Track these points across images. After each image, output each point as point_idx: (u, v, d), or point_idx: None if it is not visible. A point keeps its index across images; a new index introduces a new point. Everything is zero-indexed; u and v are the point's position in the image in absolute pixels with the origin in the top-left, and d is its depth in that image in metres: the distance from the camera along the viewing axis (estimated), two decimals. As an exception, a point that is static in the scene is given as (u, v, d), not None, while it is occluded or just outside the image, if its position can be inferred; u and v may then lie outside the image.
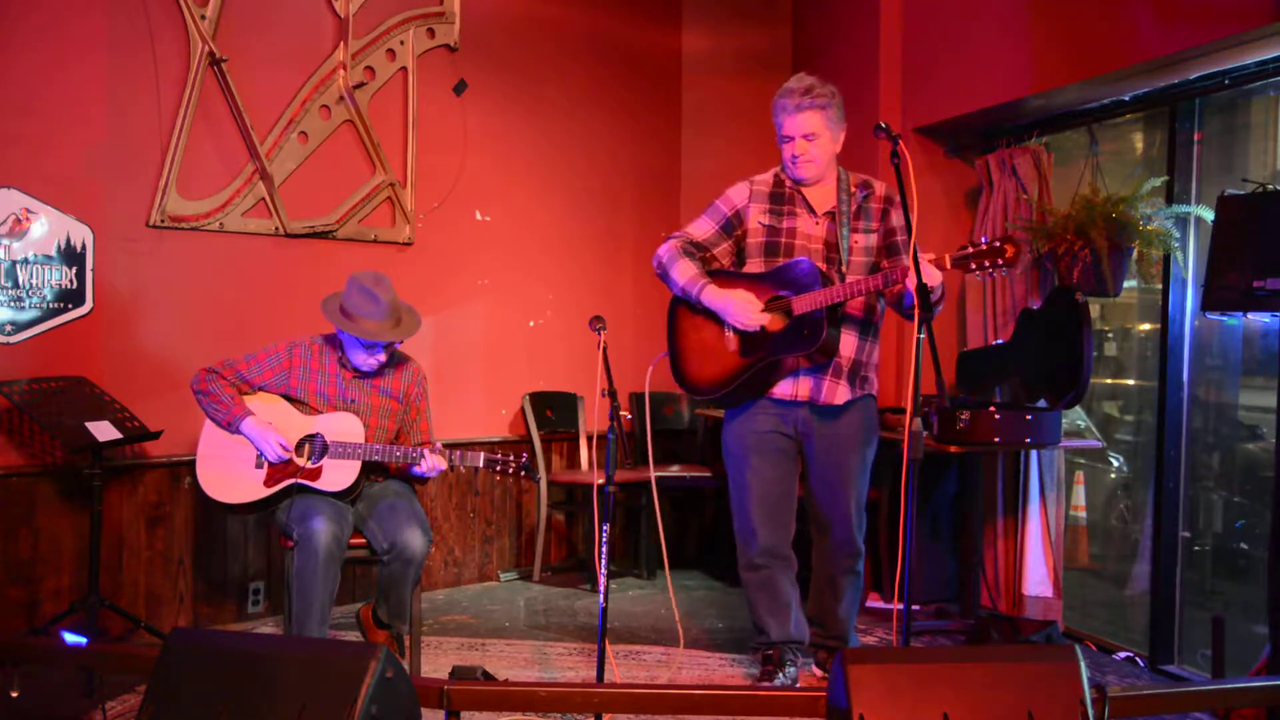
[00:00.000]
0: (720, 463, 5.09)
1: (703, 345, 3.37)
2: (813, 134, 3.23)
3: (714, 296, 3.28)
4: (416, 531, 3.27)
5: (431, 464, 3.33)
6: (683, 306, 3.42)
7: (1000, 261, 2.80)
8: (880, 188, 3.37)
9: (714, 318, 3.33)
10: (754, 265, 3.35)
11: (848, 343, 3.29)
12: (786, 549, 3.43)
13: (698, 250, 3.39)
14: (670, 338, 3.46)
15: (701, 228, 3.41)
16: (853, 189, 3.33)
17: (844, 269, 3.26)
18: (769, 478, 3.38)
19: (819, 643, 3.50)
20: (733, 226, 3.39)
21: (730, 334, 3.32)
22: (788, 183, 3.35)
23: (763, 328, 3.23)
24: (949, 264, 2.91)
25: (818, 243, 3.30)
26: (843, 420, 3.33)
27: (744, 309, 3.23)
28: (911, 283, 2.84)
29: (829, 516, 3.37)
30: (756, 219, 3.35)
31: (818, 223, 3.31)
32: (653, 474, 3.76)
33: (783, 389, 3.31)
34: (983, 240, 2.85)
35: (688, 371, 3.41)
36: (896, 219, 3.34)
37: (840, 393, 3.30)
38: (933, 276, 2.93)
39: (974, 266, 2.85)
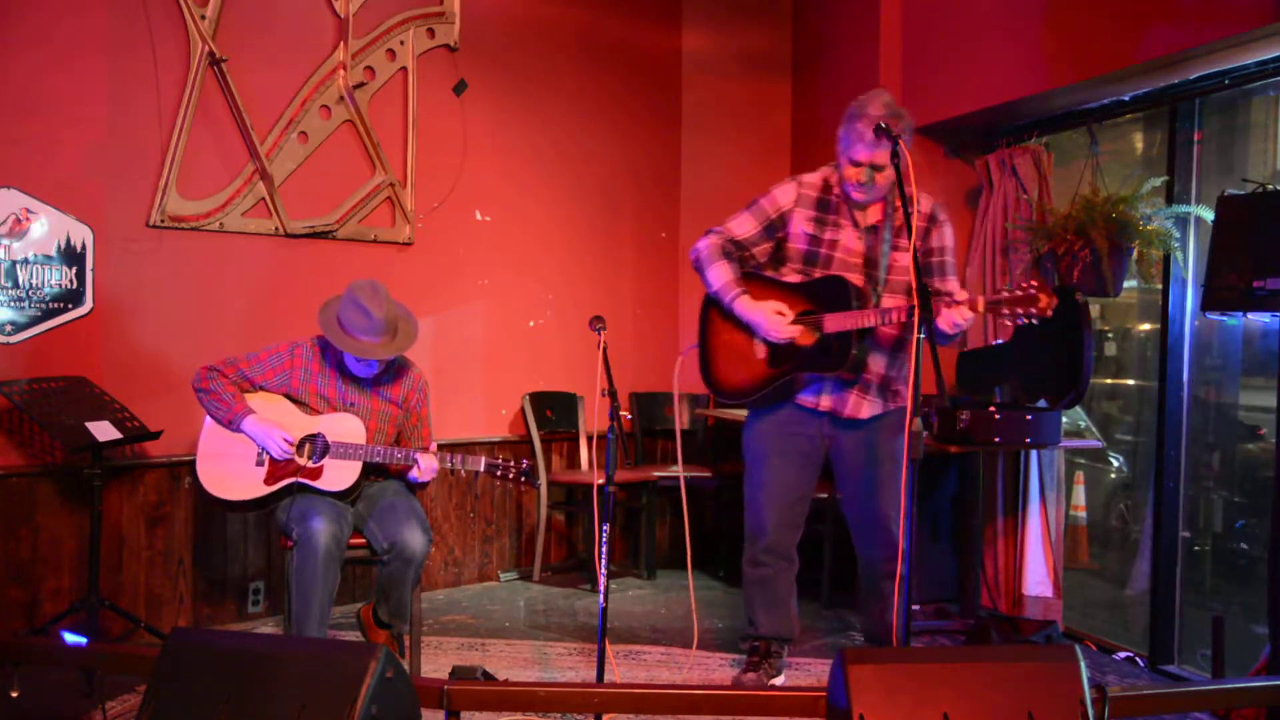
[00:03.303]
0: (721, 463, 5.12)
1: (732, 348, 3.37)
2: (884, 166, 3.16)
3: (746, 308, 3.27)
4: (416, 531, 3.27)
5: (425, 466, 3.32)
6: (715, 306, 3.41)
7: (1033, 310, 2.81)
8: (926, 204, 3.32)
9: (745, 324, 3.33)
10: (790, 271, 3.34)
11: (878, 360, 3.28)
12: (791, 550, 3.46)
13: (737, 249, 3.36)
14: (701, 335, 3.46)
15: (743, 226, 3.36)
16: (898, 203, 3.29)
17: (880, 288, 3.25)
18: (788, 479, 3.39)
19: None
20: (775, 229, 3.35)
21: (759, 342, 3.32)
22: (836, 189, 3.31)
23: (792, 341, 3.23)
24: (982, 307, 2.92)
25: (857, 257, 3.27)
26: (869, 430, 3.32)
27: (776, 322, 3.22)
28: (957, 309, 2.91)
29: (864, 522, 3.37)
30: (800, 225, 3.31)
31: (860, 237, 3.28)
32: (682, 473, 3.75)
33: (805, 397, 3.32)
34: (1018, 287, 2.85)
35: (715, 373, 3.42)
36: (937, 239, 3.30)
37: (866, 407, 3.30)
38: (962, 318, 2.95)
39: (1006, 312, 2.87)
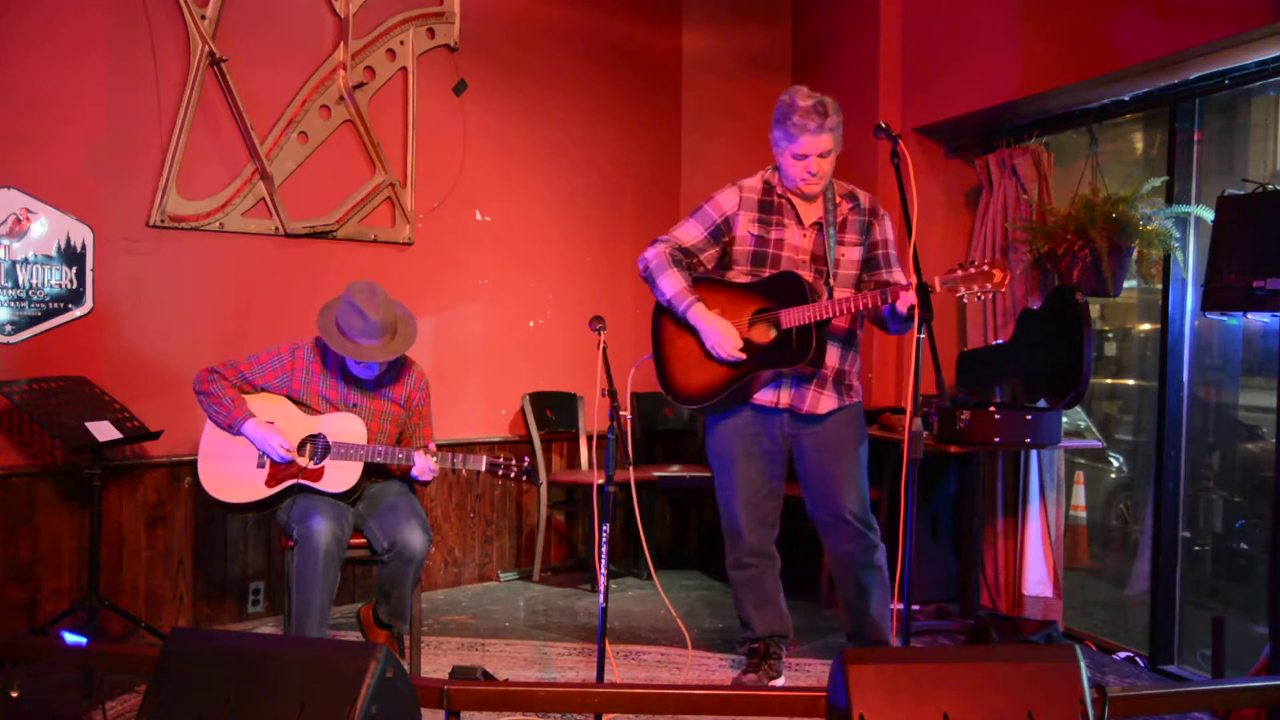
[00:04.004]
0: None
1: (689, 353, 3.36)
2: (829, 151, 3.22)
3: (699, 318, 3.27)
4: (417, 530, 3.27)
5: (422, 466, 3.32)
6: (668, 314, 3.41)
7: (989, 285, 2.85)
8: (865, 199, 3.38)
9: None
10: (738, 272, 3.36)
11: (832, 353, 3.32)
12: (771, 548, 3.49)
13: (685, 256, 3.37)
14: (655, 343, 3.45)
15: (690, 233, 3.39)
16: (838, 199, 3.35)
17: (832, 281, 3.28)
18: (755, 481, 3.40)
19: None
20: (721, 233, 3.38)
21: None
22: (778, 189, 3.34)
23: (749, 339, 3.25)
24: (938, 287, 2.93)
25: (805, 254, 3.32)
26: (828, 425, 3.35)
27: (724, 340, 3.23)
28: (909, 293, 2.91)
29: (833, 516, 3.38)
30: (746, 228, 3.34)
31: (805, 234, 3.33)
32: (633, 477, 3.73)
33: (763, 397, 3.33)
34: (971, 264, 2.89)
35: (673, 379, 3.40)
36: (880, 233, 3.37)
37: (824, 403, 3.33)
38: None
39: (963, 290, 2.89)
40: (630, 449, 3.58)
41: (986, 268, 2.85)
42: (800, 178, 3.25)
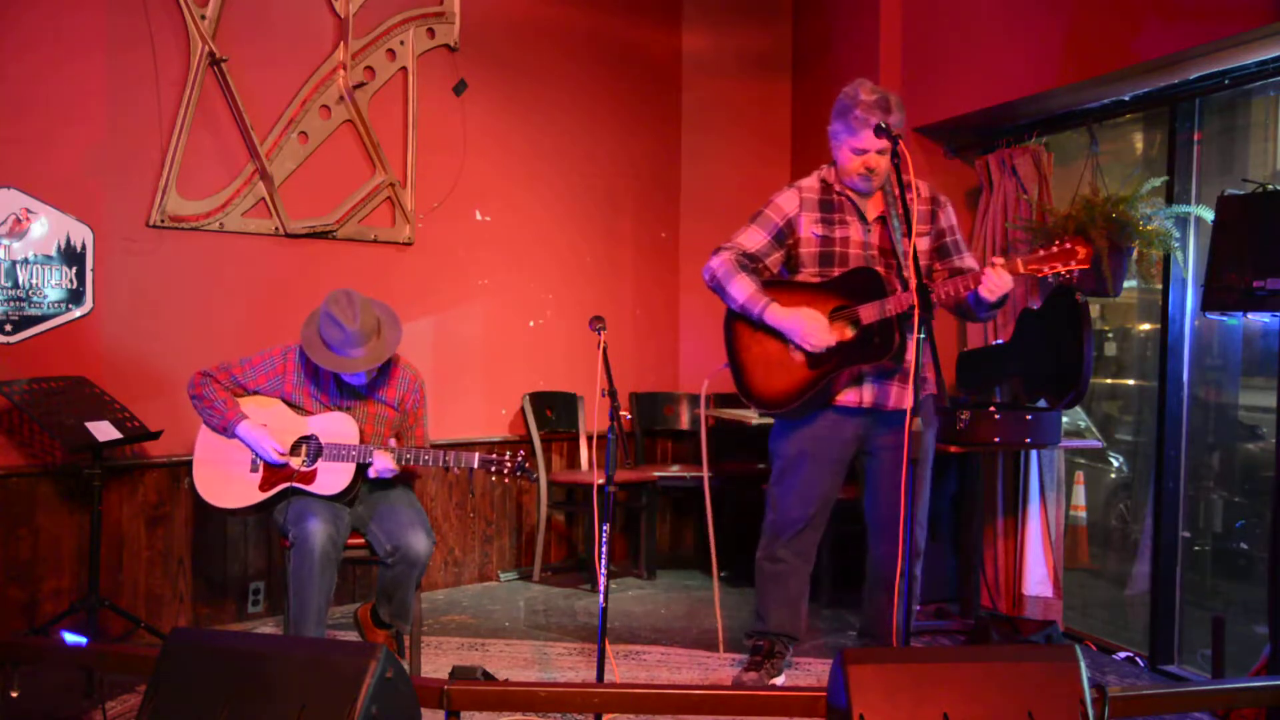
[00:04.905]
0: (721, 463, 5.11)
1: (767, 358, 3.32)
2: (888, 149, 3.16)
3: (778, 316, 3.23)
4: (420, 534, 3.27)
5: (380, 467, 3.31)
6: (741, 320, 3.36)
7: (1073, 263, 2.87)
8: (925, 188, 3.36)
9: (777, 331, 3.29)
10: (807, 274, 3.33)
11: (909, 347, 3.28)
12: (812, 551, 3.47)
13: (751, 262, 3.33)
14: (730, 351, 3.40)
15: (753, 238, 3.35)
16: (896, 192, 3.31)
17: (905, 274, 3.24)
18: (820, 486, 3.37)
19: None
20: (785, 236, 3.34)
21: (795, 347, 3.29)
22: (835, 187, 3.32)
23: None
24: (1022, 269, 2.93)
25: (873, 249, 3.29)
26: (902, 428, 3.30)
27: (813, 329, 3.19)
28: (995, 272, 2.96)
29: (891, 523, 3.31)
30: (809, 228, 3.32)
31: (869, 229, 3.30)
32: (706, 474, 3.75)
33: (847, 397, 3.29)
34: (1054, 243, 2.90)
35: (753, 385, 3.35)
36: (945, 220, 3.34)
37: (907, 397, 3.28)
38: (1004, 283, 2.95)
39: (1046, 269, 2.91)
40: (704, 447, 3.59)
41: (1069, 245, 2.87)
42: (857, 172, 3.23)
